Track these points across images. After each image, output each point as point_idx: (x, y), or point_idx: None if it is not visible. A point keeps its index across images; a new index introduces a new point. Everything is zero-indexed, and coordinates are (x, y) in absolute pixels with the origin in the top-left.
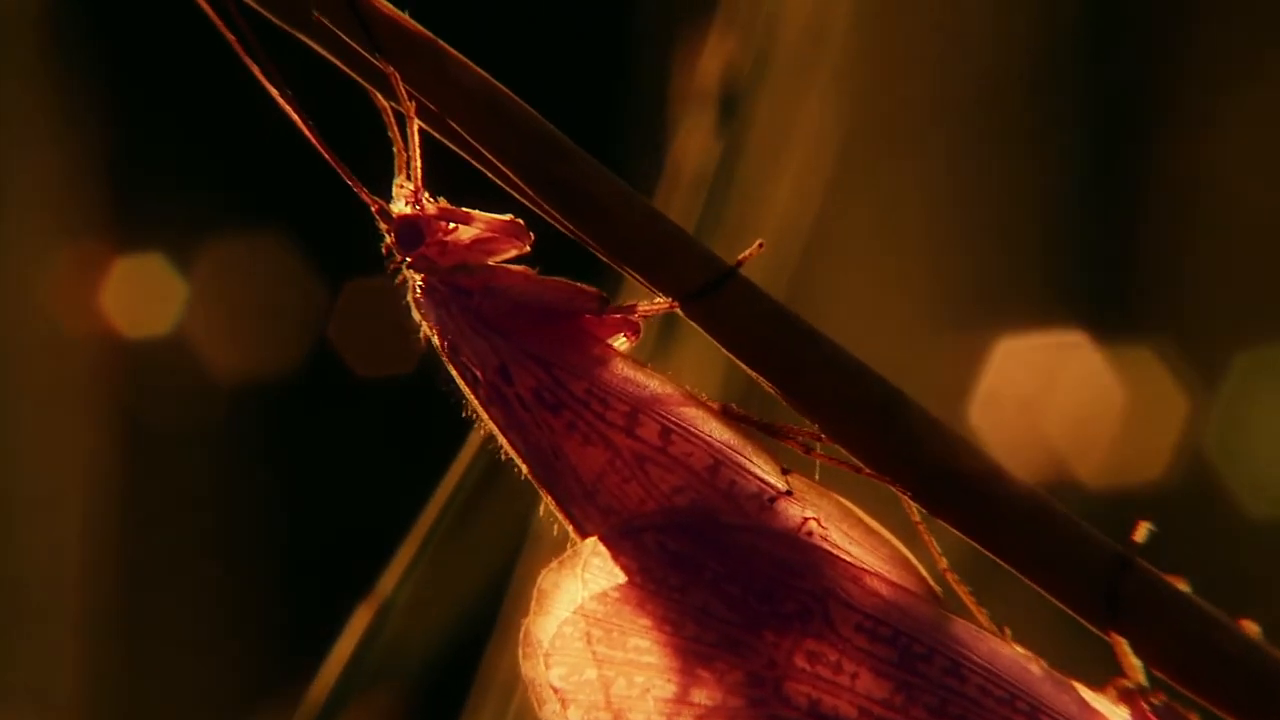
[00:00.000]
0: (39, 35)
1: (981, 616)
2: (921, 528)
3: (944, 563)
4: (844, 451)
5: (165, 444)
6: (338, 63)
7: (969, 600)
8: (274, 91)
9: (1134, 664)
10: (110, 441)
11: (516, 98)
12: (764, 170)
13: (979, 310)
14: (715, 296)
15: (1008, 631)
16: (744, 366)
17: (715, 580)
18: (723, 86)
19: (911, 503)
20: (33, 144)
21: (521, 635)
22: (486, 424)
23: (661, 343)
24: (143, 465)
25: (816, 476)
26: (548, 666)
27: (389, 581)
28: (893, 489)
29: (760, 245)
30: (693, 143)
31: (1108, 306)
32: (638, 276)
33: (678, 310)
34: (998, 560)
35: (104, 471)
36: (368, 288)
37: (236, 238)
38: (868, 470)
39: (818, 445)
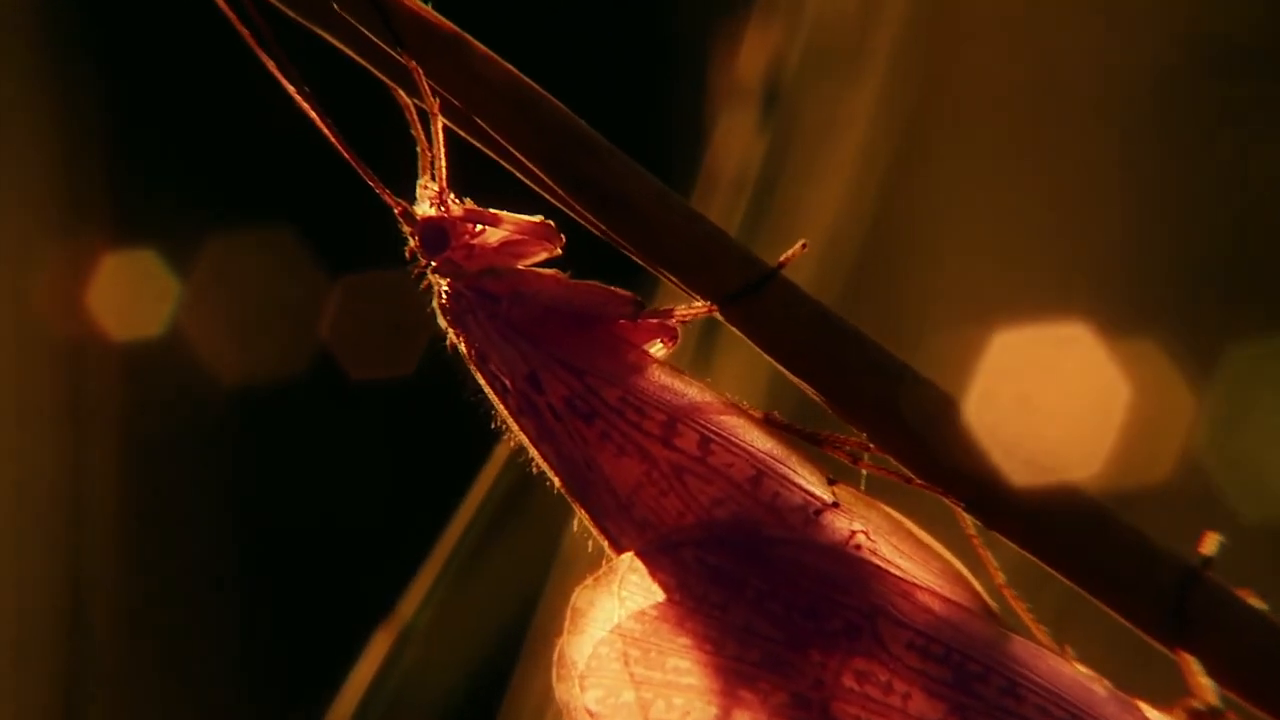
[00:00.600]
0: (33, 25)
1: (1040, 633)
2: (976, 541)
3: (1000, 577)
4: (893, 461)
5: (160, 454)
6: (358, 58)
7: (1027, 616)
8: (291, 89)
9: (1204, 683)
10: (101, 452)
11: (544, 93)
12: (811, 167)
13: (1049, 307)
14: (755, 299)
15: (1069, 649)
16: (786, 372)
17: (758, 597)
18: (766, 80)
19: (965, 515)
20: (20, 138)
21: (555, 656)
22: (516, 435)
23: (702, 348)
24: (136, 477)
25: (863, 488)
26: (583, 689)
27: (410, 604)
28: (945, 500)
29: (803, 246)
30: (734, 140)
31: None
32: (674, 279)
33: (716, 314)
34: (1058, 575)
35: (96, 485)
36: (365, 285)
37: (232, 234)
38: (918, 481)
39: (865, 455)
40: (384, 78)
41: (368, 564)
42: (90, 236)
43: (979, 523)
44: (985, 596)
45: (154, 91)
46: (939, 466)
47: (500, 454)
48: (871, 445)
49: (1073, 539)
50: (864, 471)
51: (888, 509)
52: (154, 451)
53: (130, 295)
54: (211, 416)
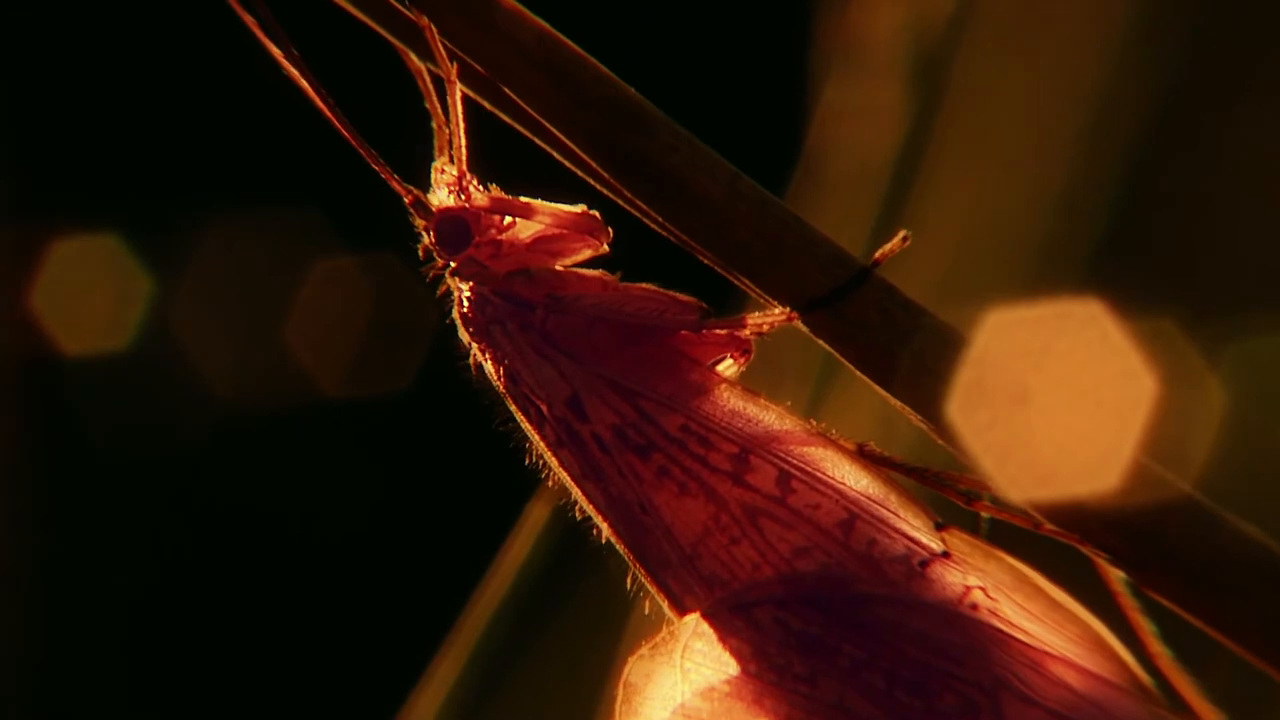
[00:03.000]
0: None
1: (1208, 715)
2: (1124, 600)
3: (1156, 645)
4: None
5: (125, 495)
6: (359, 14)
7: (1191, 695)
8: (276, 52)
9: None
10: (52, 501)
11: (585, 54)
12: (969, 153)
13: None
14: (843, 304)
15: None
16: (884, 393)
17: (853, 667)
18: (909, 44)
19: (1111, 568)
20: None
21: None
22: (556, 472)
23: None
24: (94, 521)
25: (983, 534)
26: None
27: (427, 703)
28: (1084, 550)
29: (905, 239)
30: (865, 120)
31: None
32: (745, 280)
33: (797, 322)
34: (1231, 645)
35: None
36: (370, 281)
37: (218, 221)
38: (1049, 526)
39: (985, 495)
40: (391, 38)
41: (372, 646)
42: (39, 223)
43: (1129, 579)
44: (1135, 668)
45: (122, 58)
46: (1077, 509)
47: (540, 502)
48: (990, 483)
49: (1250, 601)
50: (983, 515)
51: (1012, 560)
52: (114, 499)
53: (91, 297)
54: (188, 449)
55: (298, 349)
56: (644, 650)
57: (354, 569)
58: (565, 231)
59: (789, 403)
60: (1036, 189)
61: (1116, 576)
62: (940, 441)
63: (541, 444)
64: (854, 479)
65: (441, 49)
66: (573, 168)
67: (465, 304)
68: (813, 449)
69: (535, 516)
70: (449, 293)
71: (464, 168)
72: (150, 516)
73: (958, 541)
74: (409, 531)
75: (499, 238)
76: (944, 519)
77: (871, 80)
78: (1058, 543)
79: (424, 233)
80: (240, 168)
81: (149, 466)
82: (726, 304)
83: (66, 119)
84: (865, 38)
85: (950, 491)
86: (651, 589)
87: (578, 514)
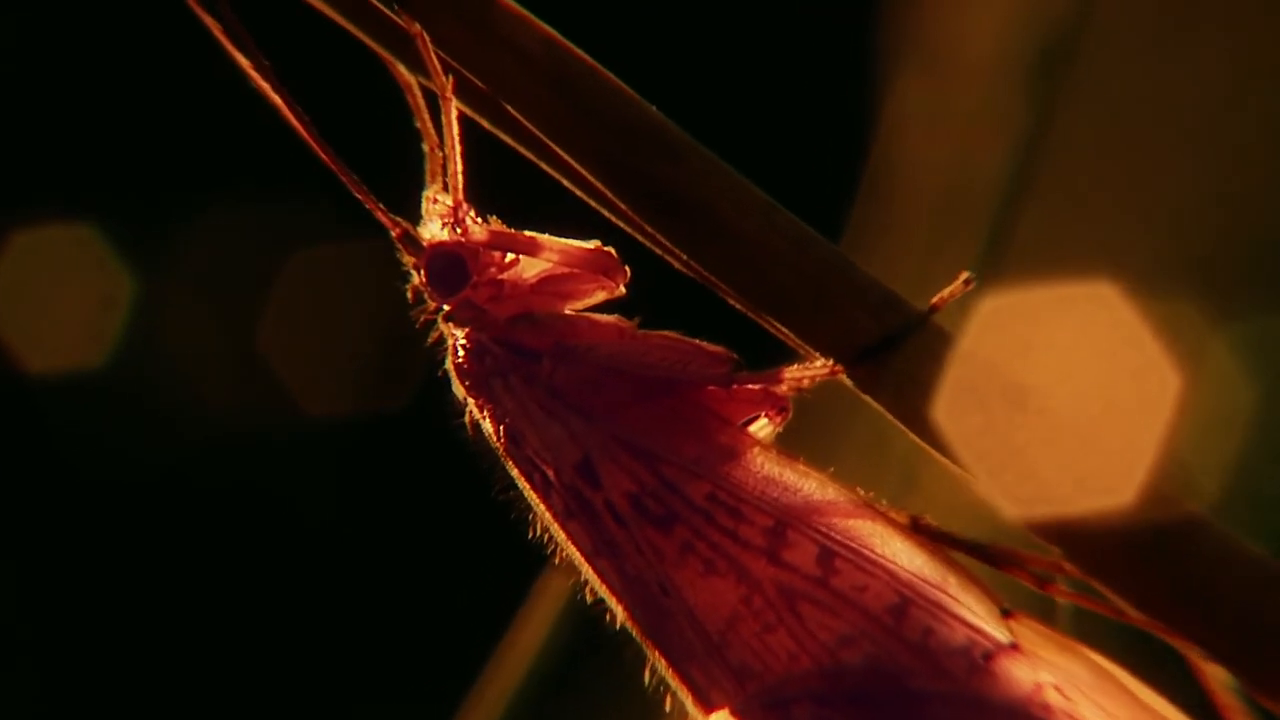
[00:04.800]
0: None
1: None
2: (1226, 704)
3: None
4: (1099, 587)
5: (98, 530)
6: (340, 19)
7: None
8: (243, 60)
9: None
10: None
11: (599, 67)
12: (1092, 169)
13: None
14: (895, 356)
15: None
16: (940, 457)
17: None
18: (1014, 40)
19: (1206, 663)
20: None
21: None
22: (564, 548)
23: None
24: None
25: (1057, 623)
26: None
27: None
28: (1178, 644)
29: (968, 282)
30: (956, 132)
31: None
32: (783, 327)
33: (841, 376)
34: None
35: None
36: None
37: (206, 215)
38: (1134, 614)
39: (1059, 578)
40: (376, 46)
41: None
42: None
43: (1234, 680)
44: None
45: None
46: (1166, 593)
47: (551, 575)
48: (1066, 565)
49: None
50: (1059, 601)
51: (1091, 654)
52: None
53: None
54: (167, 478)
55: (282, 374)
56: None
57: (350, 633)
58: (575, 270)
59: (835, 469)
60: (1171, 212)
61: (1217, 676)
62: (1000, 511)
63: (548, 515)
64: (907, 558)
65: (435, 59)
66: (584, 196)
67: (461, 353)
68: (859, 522)
69: (542, 599)
70: (442, 340)
71: (460, 196)
72: (135, 539)
73: (1028, 631)
74: (411, 601)
75: (500, 277)
76: (1012, 605)
77: (961, 84)
78: (1146, 634)
79: (414, 271)
80: (230, 159)
81: (129, 486)
82: (760, 355)
83: (31, 105)
84: (949, 34)
85: (1021, 573)
86: (673, 682)
87: (589, 595)
